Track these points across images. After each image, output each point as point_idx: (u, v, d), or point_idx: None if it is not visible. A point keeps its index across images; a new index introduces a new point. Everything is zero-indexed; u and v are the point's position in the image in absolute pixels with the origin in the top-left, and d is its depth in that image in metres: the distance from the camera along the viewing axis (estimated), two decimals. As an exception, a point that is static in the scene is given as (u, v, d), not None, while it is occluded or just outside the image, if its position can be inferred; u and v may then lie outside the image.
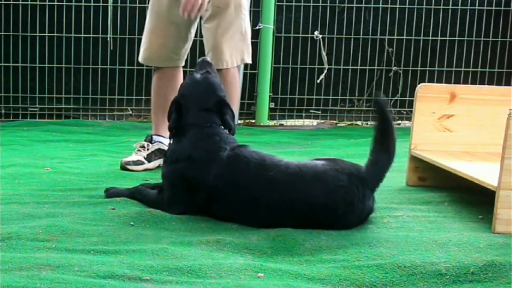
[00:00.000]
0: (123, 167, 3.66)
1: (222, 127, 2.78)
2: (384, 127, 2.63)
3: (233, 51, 3.51)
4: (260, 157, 2.65)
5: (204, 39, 3.61)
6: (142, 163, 3.65)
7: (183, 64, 3.71)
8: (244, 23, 3.53)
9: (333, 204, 2.51)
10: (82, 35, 5.67)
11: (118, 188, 3.05)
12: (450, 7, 5.83)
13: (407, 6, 5.80)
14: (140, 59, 3.77)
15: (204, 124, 2.74)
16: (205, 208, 2.68)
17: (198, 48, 5.28)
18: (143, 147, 3.70)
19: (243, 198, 2.59)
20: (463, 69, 5.88)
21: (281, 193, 2.54)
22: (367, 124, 5.93)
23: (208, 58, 3.07)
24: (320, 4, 5.76)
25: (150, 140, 3.72)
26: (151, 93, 3.77)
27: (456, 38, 5.86)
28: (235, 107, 3.60)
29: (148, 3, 5.59)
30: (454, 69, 5.88)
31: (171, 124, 2.82)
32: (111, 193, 2.98)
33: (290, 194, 2.53)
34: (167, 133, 3.02)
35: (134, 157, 3.68)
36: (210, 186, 2.64)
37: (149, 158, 3.65)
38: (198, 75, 2.85)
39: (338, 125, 5.89)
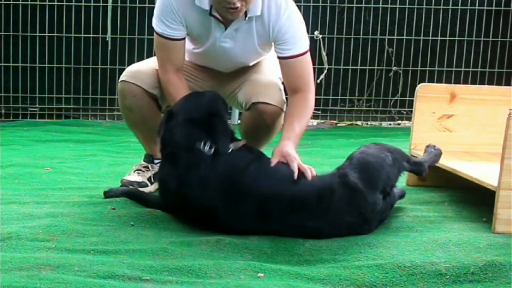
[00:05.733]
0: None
1: (208, 147, 2.57)
2: None
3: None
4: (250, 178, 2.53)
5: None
6: (146, 185, 3.22)
7: None
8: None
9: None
10: (82, 35, 5.66)
11: (117, 188, 3.05)
12: (450, 7, 5.82)
13: (407, 6, 5.79)
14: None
15: (186, 146, 2.57)
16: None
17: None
18: (146, 167, 3.28)
19: (237, 220, 2.53)
20: (463, 69, 5.88)
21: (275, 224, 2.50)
22: (367, 124, 5.93)
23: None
24: (320, 4, 5.75)
25: (151, 161, 3.30)
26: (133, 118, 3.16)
27: (456, 38, 5.86)
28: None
29: (148, 3, 5.63)
30: (454, 69, 5.88)
31: (158, 132, 2.70)
32: (110, 194, 2.97)
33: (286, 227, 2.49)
34: None
35: (137, 177, 3.24)
36: (203, 210, 2.55)
37: (150, 180, 3.25)
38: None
39: (338, 125, 5.89)
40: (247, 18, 2.79)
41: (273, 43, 2.88)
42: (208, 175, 2.53)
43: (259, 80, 2.98)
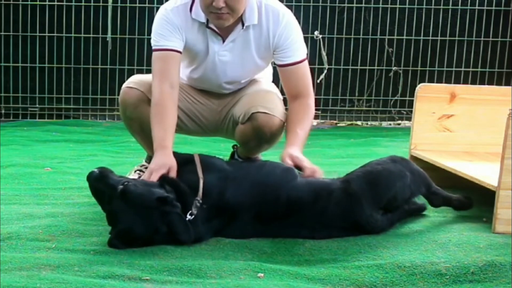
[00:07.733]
0: None
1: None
2: None
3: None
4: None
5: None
6: None
7: None
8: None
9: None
10: (82, 35, 5.67)
11: None
12: (450, 7, 5.83)
13: (407, 6, 5.80)
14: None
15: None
16: None
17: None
18: (147, 168, 3.10)
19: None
20: (463, 69, 5.88)
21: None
22: (367, 124, 5.93)
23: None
24: (320, 4, 5.75)
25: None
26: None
27: (456, 38, 5.86)
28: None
29: (148, 3, 5.63)
30: (454, 69, 5.88)
31: None
32: None
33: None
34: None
35: (137, 178, 3.16)
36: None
37: None
38: None
39: (338, 125, 5.89)
40: (244, 27, 2.79)
41: (273, 53, 2.86)
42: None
43: (257, 92, 2.94)
